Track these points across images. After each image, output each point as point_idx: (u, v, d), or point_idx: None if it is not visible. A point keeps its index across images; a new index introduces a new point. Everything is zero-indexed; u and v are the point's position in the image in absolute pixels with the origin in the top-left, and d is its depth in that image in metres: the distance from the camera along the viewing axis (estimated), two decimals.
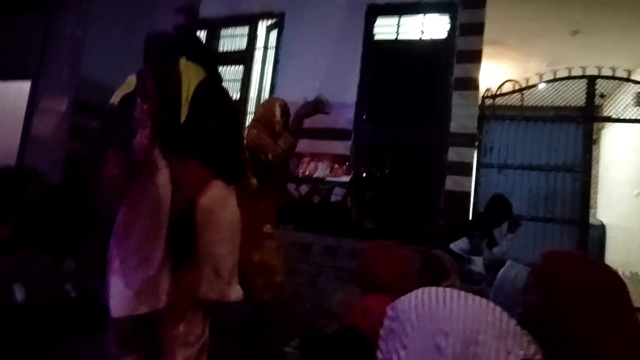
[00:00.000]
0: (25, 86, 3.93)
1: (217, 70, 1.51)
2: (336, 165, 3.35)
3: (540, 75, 3.42)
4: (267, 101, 2.51)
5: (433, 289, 0.86)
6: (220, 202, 1.33)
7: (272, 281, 2.00)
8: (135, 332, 1.28)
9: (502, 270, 1.42)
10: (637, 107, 3.38)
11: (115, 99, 1.32)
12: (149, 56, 1.41)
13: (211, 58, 1.54)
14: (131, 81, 1.33)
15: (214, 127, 1.35)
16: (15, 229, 2.11)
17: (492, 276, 2.35)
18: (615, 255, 4.68)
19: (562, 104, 3.31)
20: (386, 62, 3.56)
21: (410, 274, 1.34)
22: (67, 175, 3.44)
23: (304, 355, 1.27)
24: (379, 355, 0.88)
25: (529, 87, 3.44)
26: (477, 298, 0.83)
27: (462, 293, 0.84)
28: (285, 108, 2.12)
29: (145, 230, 1.24)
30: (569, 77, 3.30)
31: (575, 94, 3.30)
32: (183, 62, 1.35)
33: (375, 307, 1.17)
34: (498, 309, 0.82)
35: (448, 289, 0.86)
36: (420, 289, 0.87)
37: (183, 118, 1.28)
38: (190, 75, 1.33)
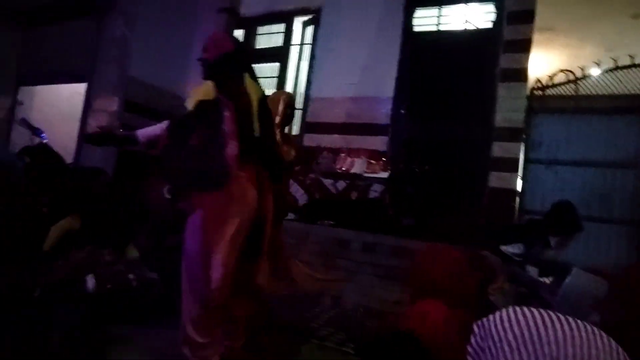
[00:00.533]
0: (78, 87, 4.21)
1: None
2: (373, 161, 3.31)
3: (598, 63, 3.16)
4: (273, 94, 2.54)
5: (525, 309, 0.86)
6: (272, 201, 1.52)
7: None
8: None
9: (568, 278, 1.34)
10: None
11: (190, 103, 1.44)
12: (219, 72, 1.52)
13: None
14: (208, 89, 1.42)
15: (274, 139, 1.55)
16: (83, 223, 2.28)
17: (554, 284, 2.21)
18: None
19: (622, 93, 3.04)
20: (426, 55, 3.44)
21: (467, 278, 1.31)
22: (118, 170, 3.65)
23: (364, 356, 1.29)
24: None
25: (584, 77, 3.19)
26: (576, 321, 0.82)
27: (558, 315, 0.83)
28: (289, 101, 2.20)
29: (233, 231, 1.37)
30: (632, 65, 3.02)
31: (638, 83, 3.02)
32: (247, 78, 1.48)
33: (432, 313, 1.18)
34: (604, 334, 0.79)
35: (538, 310, 0.85)
36: (511, 308, 0.87)
37: (256, 130, 1.43)
38: (253, 92, 1.46)
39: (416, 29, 3.51)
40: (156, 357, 1.97)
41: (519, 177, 3.10)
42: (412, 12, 3.50)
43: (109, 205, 2.54)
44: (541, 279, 2.55)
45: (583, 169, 2.98)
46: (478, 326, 0.90)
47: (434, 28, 3.48)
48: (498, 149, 3.09)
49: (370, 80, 3.56)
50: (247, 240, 1.42)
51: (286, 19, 3.88)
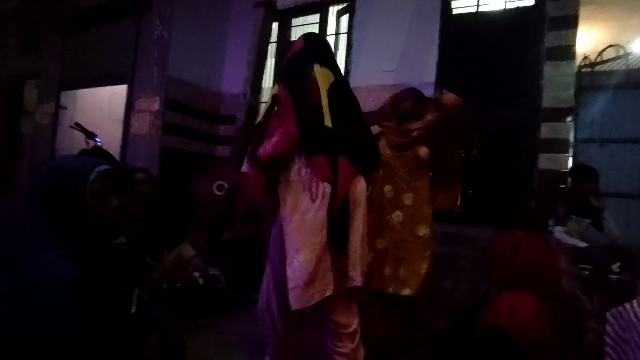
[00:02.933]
0: (118, 89, 4.32)
1: (341, 73, 1.59)
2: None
3: None
4: None
5: None
6: (363, 193, 1.45)
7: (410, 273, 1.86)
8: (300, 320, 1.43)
9: None
10: None
11: (259, 119, 1.50)
12: (286, 71, 1.54)
13: (335, 61, 1.61)
14: (270, 93, 1.48)
15: (355, 127, 1.44)
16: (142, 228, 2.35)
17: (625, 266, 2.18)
18: None
19: None
20: (467, 37, 3.38)
21: (552, 266, 1.27)
22: (164, 168, 3.75)
23: (450, 357, 1.28)
24: None
25: (633, 51, 3.08)
26: None
27: None
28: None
29: (307, 227, 1.34)
30: None
31: None
32: (317, 67, 1.44)
33: (522, 307, 1.14)
34: None
35: None
36: None
37: (327, 120, 1.37)
38: (323, 80, 1.42)
39: (455, 11, 3.44)
40: (235, 338, 2.04)
41: (569, 157, 3.03)
42: None
43: (159, 203, 2.61)
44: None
45: (639, 147, 2.89)
46: (614, 316, 0.88)
47: (473, 9, 3.41)
48: (547, 130, 3.02)
49: (409, 66, 3.52)
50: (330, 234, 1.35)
51: (320, 8, 3.86)
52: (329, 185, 1.36)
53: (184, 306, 2.03)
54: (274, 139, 1.36)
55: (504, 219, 2.96)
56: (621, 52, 3.08)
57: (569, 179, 2.75)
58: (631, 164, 2.89)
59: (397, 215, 1.87)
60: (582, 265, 2.33)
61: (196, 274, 2.24)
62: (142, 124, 3.93)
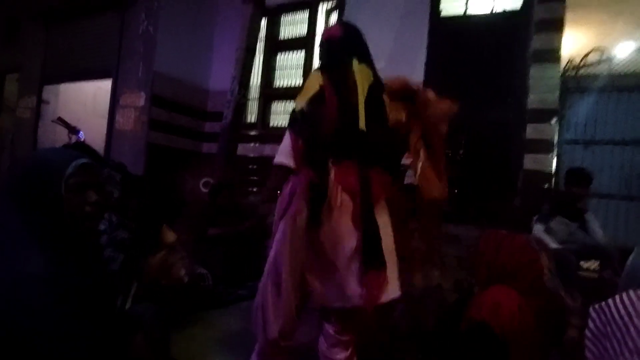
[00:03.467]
0: (103, 84, 4.23)
1: (377, 72, 1.44)
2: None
3: (635, 40, 3.11)
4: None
5: None
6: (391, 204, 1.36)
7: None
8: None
9: (630, 257, 1.34)
10: None
11: (301, 103, 1.34)
12: (325, 59, 1.43)
13: (371, 58, 1.47)
14: (314, 80, 1.33)
15: (388, 132, 1.33)
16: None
17: (606, 266, 2.24)
18: None
19: None
20: (455, 39, 3.40)
21: (534, 263, 1.29)
22: (149, 164, 3.68)
23: (436, 352, 1.28)
24: (589, 356, 0.89)
25: (616, 56, 3.15)
26: None
27: None
28: None
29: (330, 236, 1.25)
30: None
31: None
32: (355, 64, 1.33)
33: (505, 302, 1.16)
34: None
35: None
36: (631, 291, 0.86)
37: (362, 123, 1.26)
38: (362, 78, 1.31)
39: (444, 13, 3.47)
40: (221, 335, 2.01)
41: (554, 158, 3.08)
42: None
43: (151, 203, 2.56)
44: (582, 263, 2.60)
45: (621, 148, 2.96)
46: (596, 311, 0.89)
47: (461, 11, 3.44)
48: (532, 131, 3.07)
49: (397, 65, 3.52)
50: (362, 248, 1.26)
51: (310, 6, 3.84)
52: (348, 197, 1.26)
53: (169, 303, 1.99)
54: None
55: (489, 217, 2.99)
56: (605, 56, 3.14)
57: (562, 181, 2.79)
58: (612, 165, 2.95)
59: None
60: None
61: (182, 272, 2.20)
62: (127, 120, 3.85)
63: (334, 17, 3.81)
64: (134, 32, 3.88)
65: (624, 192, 2.94)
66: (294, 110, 1.38)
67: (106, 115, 3.94)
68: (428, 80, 3.43)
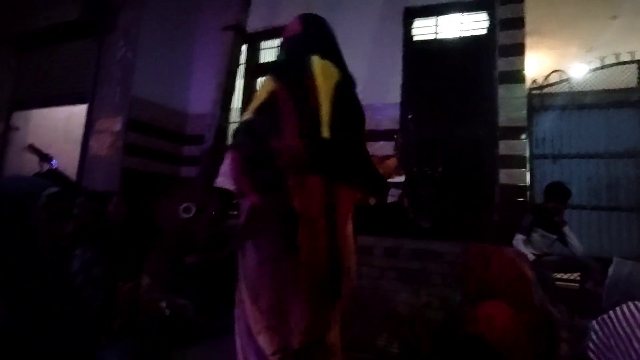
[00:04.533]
0: (76, 109, 4.14)
1: (347, 68, 1.22)
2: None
3: (588, 63, 3.38)
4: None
5: None
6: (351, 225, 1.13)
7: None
8: None
9: (611, 268, 1.39)
10: None
11: (246, 115, 1.17)
12: (281, 60, 1.23)
13: (340, 53, 1.23)
14: (266, 85, 1.16)
15: (359, 142, 1.13)
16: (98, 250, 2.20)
17: (586, 278, 2.30)
18: None
19: (614, 88, 3.25)
20: (428, 62, 3.58)
21: (523, 278, 1.32)
22: (123, 191, 3.56)
23: None
24: None
25: (573, 77, 3.40)
26: None
27: None
28: None
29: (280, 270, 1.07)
30: (618, 63, 3.25)
31: (625, 79, 3.24)
32: (317, 60, 1.11)
33: (498, 315, 1.19)
34: None
35: None
36: (631, 304, 0.88)
37: (325, 131, 1.05)
38: (325, 77, 1.10)
39: (416, 38, 3.66)
40: None
41: (527, 172, 3.21)
42: (411, 22, 3.66)
43: (127, 231, 2.47)
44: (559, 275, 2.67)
45: (587, 161, 3.13)
46: (599, 324, 0.91)
47: (432, 37, 3.64)
48: (504, 147, 3.21)
49: (374, 88, 3.65)
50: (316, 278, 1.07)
51: None
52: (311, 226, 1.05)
53: (150, 338, 1.87)
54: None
55: (469, 233, 3.05)
56: (564, 77, 3.38)
57: (541, 195, 2.89)
58: (580, 177, 3.11)
59: None
60: None
61: (163, 304, 2.09)
62: (101, 145, 3.75)
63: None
64: (111, 57, 3.86)
65: (593, 203, 3.08)
66: (238, 124, 1.19)
67: (79, 141, 3.83)
68: (405, 102, 3.56)
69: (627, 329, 0.84)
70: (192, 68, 4.26)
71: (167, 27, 4.04)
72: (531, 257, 2.54)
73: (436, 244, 3.05)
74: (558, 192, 2.70)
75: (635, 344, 0.82)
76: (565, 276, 2.92)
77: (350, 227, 1.18)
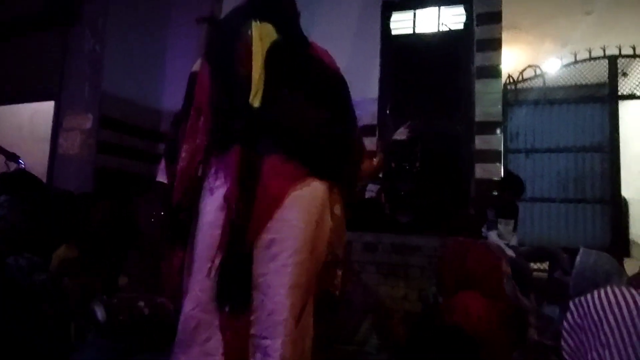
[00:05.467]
0: (42, 106, 3.94)
1: (297, 29, 1.09)
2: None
3: (561, 58, 3.45)
4: None
5: (624, 289, 0.90)
6: (308, 212, 0.97)
7: None
8: None
9: (578, 258, 1.46)
10: None
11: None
12: (214, 30, 1.12)
13: (289, 16, 1.10)
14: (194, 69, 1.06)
15: (314, 108, 0.97)
16: (80, 251, 2.14)
17: (556, 267, 2.42)
18: None
19: (585, 83, 3.34)
20: (406, 56, 3.58)
21: (497, 269, 1.38)
22: (97, 190, 3.45)
23: (411, 352, 1.32)
24: (565, 347, 0.94)
25: (547, 71, 3.48)
26: None
27: None
28: None
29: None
30: (590, 59, 3.33)
31: (597, 74, 3.34)
32: (255, 25, 0.99)
33: (473, 305, 1.26)
34: None
35: (633, 290, 0.90)
36: (609, 288, 0.91)
37: (255, 98, 0.93)
38: (260, 38, 0.98)
39: (394, 32, 3.64)
40: None
41: (501, 167, 3.30)
42: (389, 16, 3.63)
43: (108, 231, 2.41)
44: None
45: (557, 155, 3.23)
46: (575, 305, 0.95)
47: (410, 31, 3.63)
48: (480, 142, 3.28)
49: (353, 83, 3.57)
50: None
51: None
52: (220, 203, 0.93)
53: (130, 341, 1.85)
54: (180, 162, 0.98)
55: (446, 227, 3.13)
56: (538, 72, 3.45)
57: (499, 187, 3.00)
58: (550, 171, 3.22)
59: None
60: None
61: (141, 303, 2.06)
62: (72, 144, 3.60)
63: None
64: (78, 51, 3.67)
65: (562, 196, 3.20)
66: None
67: (45, 139, 3.66)
68: (383, 96, 3.56)
69: (600, 313, 0.88)
70: (166, 62, 4.10)
71: (137, 18, 3.85)
72: (510, 252, 2.63)
73: (414, 238, 3.11)
74: (511, 181, 2.82)
75: (606, 327, 0.86)
76: (535, 266, 3.05)
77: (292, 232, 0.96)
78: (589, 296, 0.94)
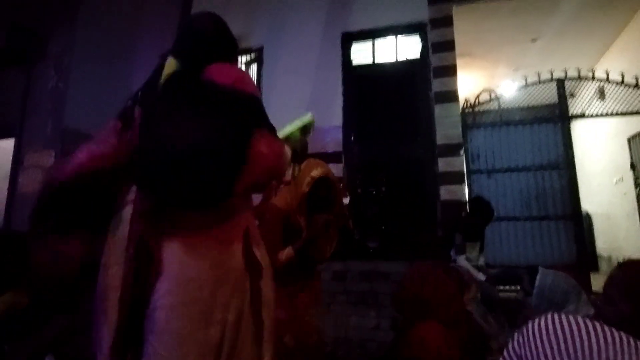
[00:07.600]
0: (4, 144, 3.86)
1: (195, 60, 1.02)
2: None
3: (514, 82, 3.62)
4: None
5: (563, 317, 0.85)
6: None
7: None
8: None
9: (538, 278, 1.46)
10: (601, 100, 3.62)
11: None
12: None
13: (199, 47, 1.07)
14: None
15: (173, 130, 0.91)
16: (30, 297, 2.02)
17: (518, 287, 2.41)
18: (606, 243, 4.83)
19: (538, 104, 3.50)
20: (367, 85, 3.69)
21: (456, 295, 1.35)
22: None
23: None
24: None
25: (501, 95, 3.64)
26: (613, 330, 0.81)
27: (595, 324, 0.82)
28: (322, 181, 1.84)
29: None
30: (540, 82, 3.51)
31: (548, 96, 3.50)
32: (169, 62, 1.02)
33: (431, 337, 1.19)
34: None
35: (576, 318, 0.85)
36: (549, 315, 0.86)
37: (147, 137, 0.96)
38: (165, 73, 1.00)
39: (355, 62, 3.77)
40: None
41: (465, 188, 3.35)
42: (349, 46, 3.77)
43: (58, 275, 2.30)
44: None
45: (517, 174, 3.32)
46: (518, 333, 0.91)
47: (370, 60, 3.77)
48: (443, 164, 3.34)
49: (317, 111, 3.63)
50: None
51: None
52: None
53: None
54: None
55: (414, 251, 3.11)
56: (493, 95, 3.60)
57: (467, 209, 3.02)
58: (513, 190, 3.29)
59: None
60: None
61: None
62: (32, 181, 3.50)
63: (253, 69, 3.95)
64: (41, 88, 3.66)
65: (526, 214, 3.25)
66: None
67: (4, 177, 3.56)
68: (347, 123, 3.64)
69: (538, 341, 0.83)
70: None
71: (103, 54, 3.90)
72: (480, 275, 2.62)
73: (383, 264, 3.08)
74: (484, 212, 2.83)
75: (542, 357, 0.81)
76: (507, 287, 3.03)
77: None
78: (529, 323, 0.90)
